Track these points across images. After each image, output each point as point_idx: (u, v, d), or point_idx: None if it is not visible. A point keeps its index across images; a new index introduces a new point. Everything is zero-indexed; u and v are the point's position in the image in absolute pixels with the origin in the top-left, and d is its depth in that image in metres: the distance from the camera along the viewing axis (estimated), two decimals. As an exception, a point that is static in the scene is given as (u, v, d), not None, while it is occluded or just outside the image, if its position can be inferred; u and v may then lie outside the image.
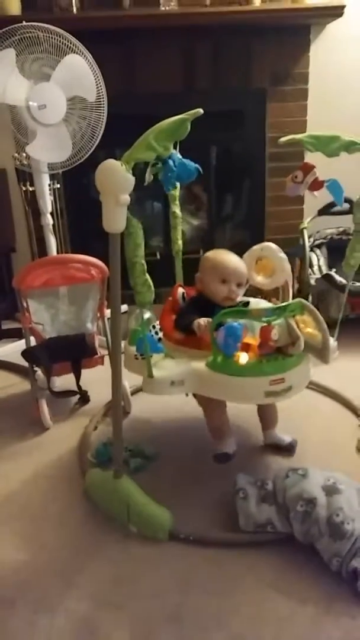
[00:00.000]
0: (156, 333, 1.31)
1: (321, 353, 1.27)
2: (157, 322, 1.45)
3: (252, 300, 1.47)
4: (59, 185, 2.21)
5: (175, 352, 1.30)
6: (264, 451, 1.51)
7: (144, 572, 1.14)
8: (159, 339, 1.30)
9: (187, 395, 1.57)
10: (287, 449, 1.48)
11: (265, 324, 1.20)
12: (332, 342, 1.27)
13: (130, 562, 1.17)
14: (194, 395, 1.44)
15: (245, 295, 1.46)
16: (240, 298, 1.42)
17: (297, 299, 1.27)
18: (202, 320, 1.27)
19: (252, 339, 1.24)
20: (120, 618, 1.04)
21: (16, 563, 1.18)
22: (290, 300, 1.37)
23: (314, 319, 1.25)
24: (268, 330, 1.19)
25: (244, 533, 1.19)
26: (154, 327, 1.30)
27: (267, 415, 1.51)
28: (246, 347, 1.21)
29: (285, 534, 1.16)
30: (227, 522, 1.23)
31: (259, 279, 1.55)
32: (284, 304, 1.26)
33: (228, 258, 1.41)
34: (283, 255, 1.50)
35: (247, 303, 1.43)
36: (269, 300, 1.54)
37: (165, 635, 1.00)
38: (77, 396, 1.80)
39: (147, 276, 1.14)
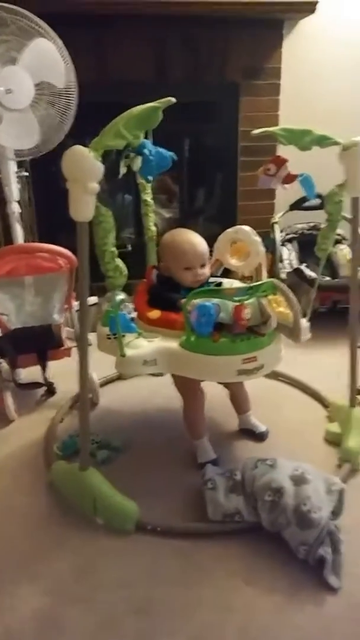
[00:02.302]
0: (129, 313, 1.29)
1: (292, 332, 1.28)
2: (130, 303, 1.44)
3: (225, 280, 1.48)
4: (27, 173, 2.15)
5: (148, 333, 1.30)
6: (233, 440, 1.52)
7: (110, 564, 1.13)
8: (132, 319, 1.30)
9: (157, 376, 1.56)
10: (260, 437, 1.51)
11: (237, 304, 1.20)
12: (304, 322, 1.28)
13: (97, 554, 1.15)
14: (175, 384, 1.45)
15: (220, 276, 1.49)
16: (213, 279, 1.44)
17: (269, 279, 1.28)
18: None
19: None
20: (85, 611, 1.03)
21: (-22, 558, 1.15)
22: (263, 280, 1.38)
23: (286, 299, 1.26)
24: (241, 309, 1.19)
25: (212, 523, 1.19)
26: (126, 306, 1.30)
27: (239, 401, 1.54)
28: (219, 327, 1.21)
29: (252, 523, 1.17)
30: (195, 513, 1.23)
31: (234, 262, 1.55)
32: (256, 283, 1.27)
33: (186, 244, 1.38)
34: (257, 238, 1.50)
35: (220, 284, 1.43)
36: (243, 282, 1.54)
37: (131, 628, 0.99)
38: (43, 388, 1.76)
39: (119, 261, 1.12)
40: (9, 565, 1.13)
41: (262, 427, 1.53)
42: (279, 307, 1.31)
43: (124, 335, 1.22)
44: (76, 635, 0.98)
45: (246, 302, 1.22)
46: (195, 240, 1.40)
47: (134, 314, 1.37)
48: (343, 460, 1.38)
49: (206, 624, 1.00)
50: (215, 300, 1.22)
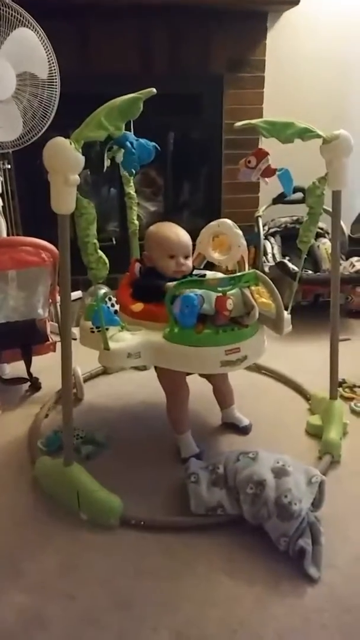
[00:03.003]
0: (112, 306, 1.29)
1: (275, 324, 1.29)
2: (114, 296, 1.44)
3: (208, 273, 1.48)
4: (9, 166, 2.12)
5: (131, 325, 1.30)
6: (216, 434, 1.52)
7: (94, 559, 1.13)
8: (115, 312, 1.29)
9: (141, 370, 1.54)
10: (243, 431, 1.52)
11: (220, 294, 1.20)
12: (286, 314, 1.29)
13: (81, 550, 1.15)
14: (159, 379, 1.45)
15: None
16: (197, 271, 1.44)
17: (252, 270, 1.28)
18: (171, 284, 1.27)
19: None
20: (69, 606, 1.03)
21: None
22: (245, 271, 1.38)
23: (268, 290, 1.27)
24: (223, 300, 1.20)
25: (195, 517, 1.20)
26: (110, 299, 1.29)
27: (222, 395, 1.54)
28: (203, 319, 1.21)
29: (235, 516, 1.18)
30: (178, 507, 1.23)
31: (216, 255, 1.55)
32: (238, 274, 1.27)
33: (171, 232, 1.41)
34: (239, 231, 1.50)
35: (204, 275, 1.44)
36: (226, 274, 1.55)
37: (115, 622, 0.99)
38: (28, 383, 1.75)
39: (101, 253, 1.12)
40: (-8, 561, 1.13)
41: (245, 421, 1.54)
42: (261, 297, 1.32)
43: (107, 329, 1.21)
44: (60, 630, 0.98)
45: (229, 292, 1.22)
46: (180, 231, 1.43)
47: (117, 307, 1.37)
48: (324, 452, 1.40)
49: (188, 617, 1.00)
50: (199, 291, 1.22)
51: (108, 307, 1.30)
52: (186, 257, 1.40)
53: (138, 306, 1.35)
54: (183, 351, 1.22)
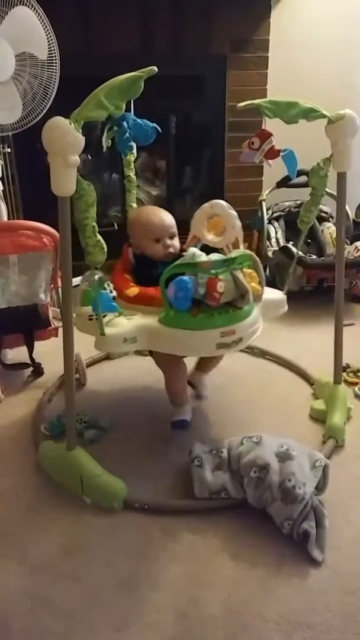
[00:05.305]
0: (110, 292, 1.28)
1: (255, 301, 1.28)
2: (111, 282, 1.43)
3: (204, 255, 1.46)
4: (9, 150, 2.10)
5: (128, 310, 1.29)
6: (219, 419, 1.52)
7: (98, 542, 1.13)
8: (114, 298, 1.28)
9: (145, 355, 1.55)
10: (198, 397, 1.58)
11: (212, 276, 1.19)
12: (282, 294, 1.27)
13: (84, 533, 1.15)
14: (155, 360, 1.44)
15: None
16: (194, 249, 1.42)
17: (246, 251, 1.27)
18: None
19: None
20: (73, 588, 1.03)
21: (-34, 538, 1.15)
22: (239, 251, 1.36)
23: (254, 266, 1.27)
24: (214, 281, 1.18)
25: (198, 500, 1.20)
26: (109, 285, 1.28)
27: (207, 360, 1.54)
28: (199, 302, 1.20)
29: (238, 499, 1.18)
30: (182, 491, 1.24)
31: (210, 237, 1.53)
32: (232, 255, 1.26)
33: (153, 216, 1.42)
34: (233, 212, 1.48)
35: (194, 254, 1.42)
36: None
37: (119, 604, 1.00)
38: (30, 369, 1.75)
39: (99, 237, 1.10)
40: (-3, 544, 1.13)
41: (205, 393, 1.58)
42: (252, 282, 1.30)
43: (104, 315, 1.20)
44: (65, 612, 0.99)
45: (220, 276, 1.20)
46: (161, 212, 1.43)
47: (114, 293, 1.36)
48: (327, 436, 1.40)
49: (192, 599, 1.01)
50: (192, 275, 1.20)
51: (107, 294, 1.28)
52: (171, 238, 1.40)
53: (133, 290, 1.34)
54: (179, 335, 1.21)
